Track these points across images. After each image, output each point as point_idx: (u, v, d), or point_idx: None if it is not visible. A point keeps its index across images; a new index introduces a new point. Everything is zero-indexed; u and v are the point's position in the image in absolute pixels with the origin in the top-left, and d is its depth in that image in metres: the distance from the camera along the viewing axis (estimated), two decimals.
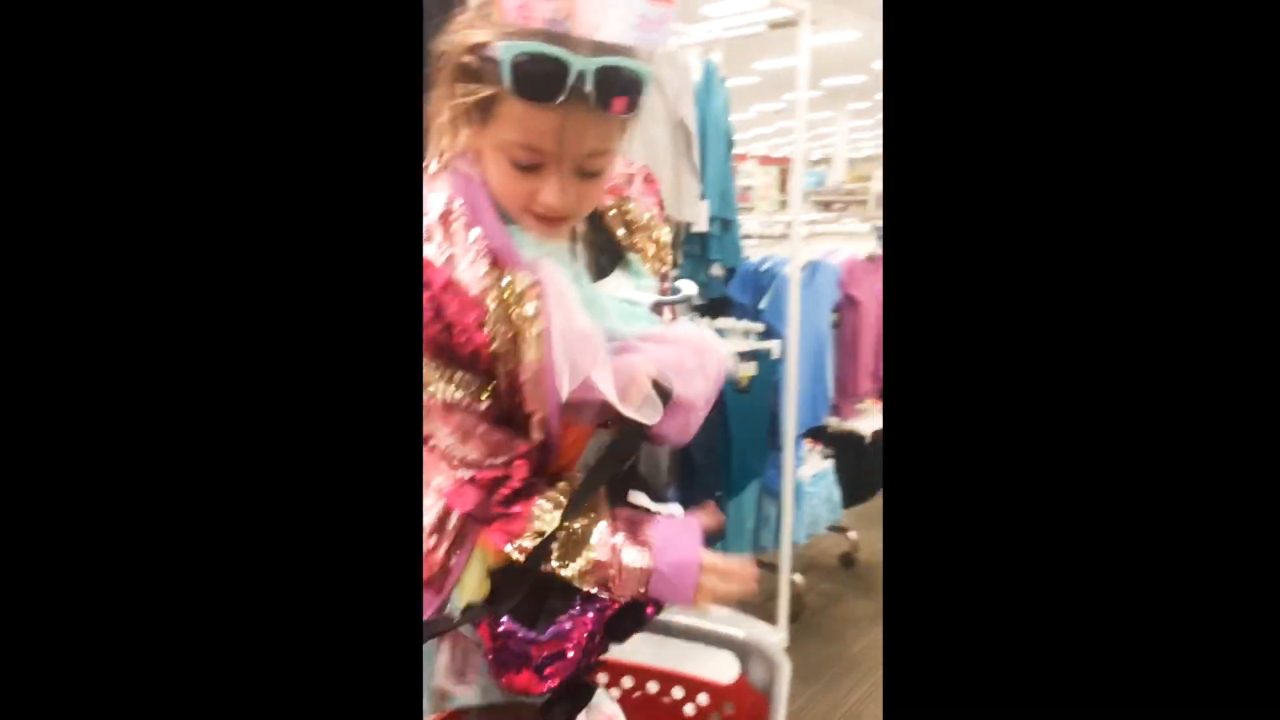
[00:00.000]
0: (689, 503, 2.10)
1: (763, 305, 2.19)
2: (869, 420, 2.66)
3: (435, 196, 0.69)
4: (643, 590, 0.70)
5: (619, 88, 0.63)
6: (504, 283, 0.69)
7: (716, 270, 2.22)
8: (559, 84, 0.61)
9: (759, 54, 8.67)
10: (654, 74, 0.66)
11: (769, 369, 2.14)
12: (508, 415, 0.71)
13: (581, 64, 0.61)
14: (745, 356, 2.08)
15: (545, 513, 0.70)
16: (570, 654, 0.71)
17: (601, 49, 0.62)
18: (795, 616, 2.45)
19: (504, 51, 0.61)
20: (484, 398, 0.69)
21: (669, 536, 0.71)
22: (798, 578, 2.50)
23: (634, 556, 0.70)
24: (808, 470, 2.40)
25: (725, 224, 2.11)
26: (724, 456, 2.09)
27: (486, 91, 0.64)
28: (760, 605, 2.54)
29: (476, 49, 0.64)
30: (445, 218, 0.69)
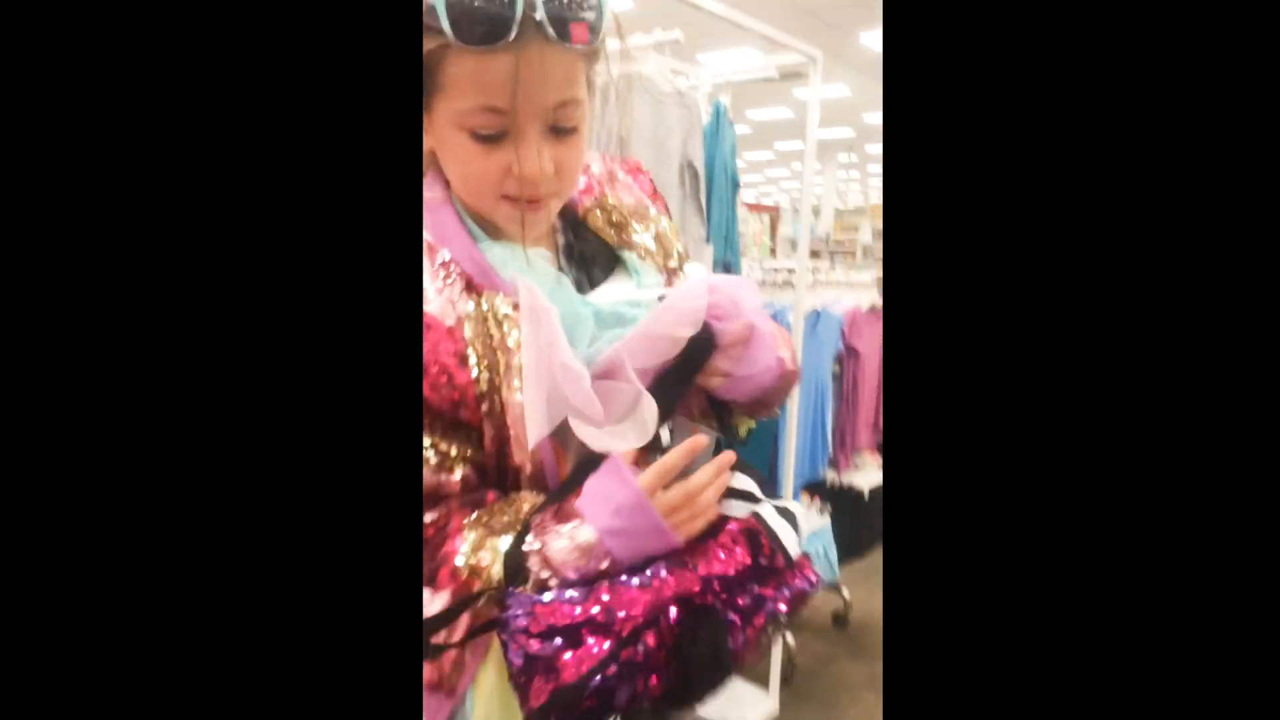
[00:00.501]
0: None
1: None
2: (866, 474, 2.59)
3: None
4: (605, 560, 0.56)
5: (575, 11, 0.55)
6: (484, 307, 0.61)
7: None
8: (507, 16, 0.53)
9: (753, 102, 8.82)
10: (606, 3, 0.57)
11: (769, 420, 2.06)
12: (496, 475, 0.62)
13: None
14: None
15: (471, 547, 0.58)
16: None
17: None
18: (787, 680, 2.34)
19: None
20: (459, 468, 0.60)
21: (594, 491, 0.57)
22: (789, 638, 2.39)
23: (565, 536, 0.56)
24: (805, 527, 2.30)
25: (728, 268, 2.05)
26: None
27: (433, 60, 0.55)
28: (751, 667, 2.44)
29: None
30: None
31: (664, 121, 1.67)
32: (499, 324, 0.60)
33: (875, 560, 2.65)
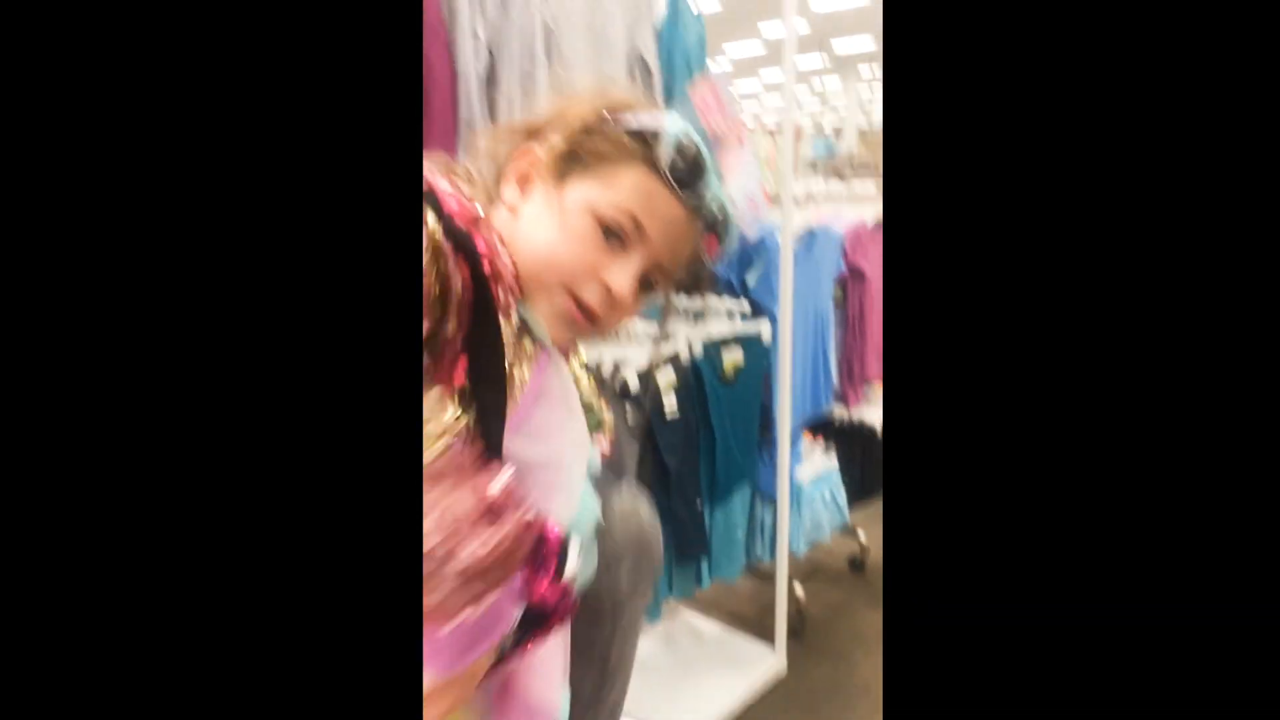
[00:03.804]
0: (666, 515, 1.79)
1: (750, 281, 1.88)
2: (878, 408, 2.35)
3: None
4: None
5: (721, 231, 0.66)
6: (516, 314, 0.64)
7: None
8: (701, 187, 0.63)
9: (767, 12, 8.31)
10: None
11: (759, 355, 1.84)
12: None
13: (718, 189, 0.64)
14: (730, 342, 1.78)
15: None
16: None
17: (726, 192, 0.66)
18: (796, 632, 2.17)
19: (673, 124, 0.62)
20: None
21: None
22: (799, 588, 2.21)
23: None
24: (807, 470, 2.10)
25: None
26: (706, 458, 1.79)
27: (617, 159, 0.62)
28: (756, 619, 2.28)
29: (620, 110, 0.64)
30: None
31: (601, 6, 1.40)
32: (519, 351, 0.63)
33: None
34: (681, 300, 1.90)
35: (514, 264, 0.63)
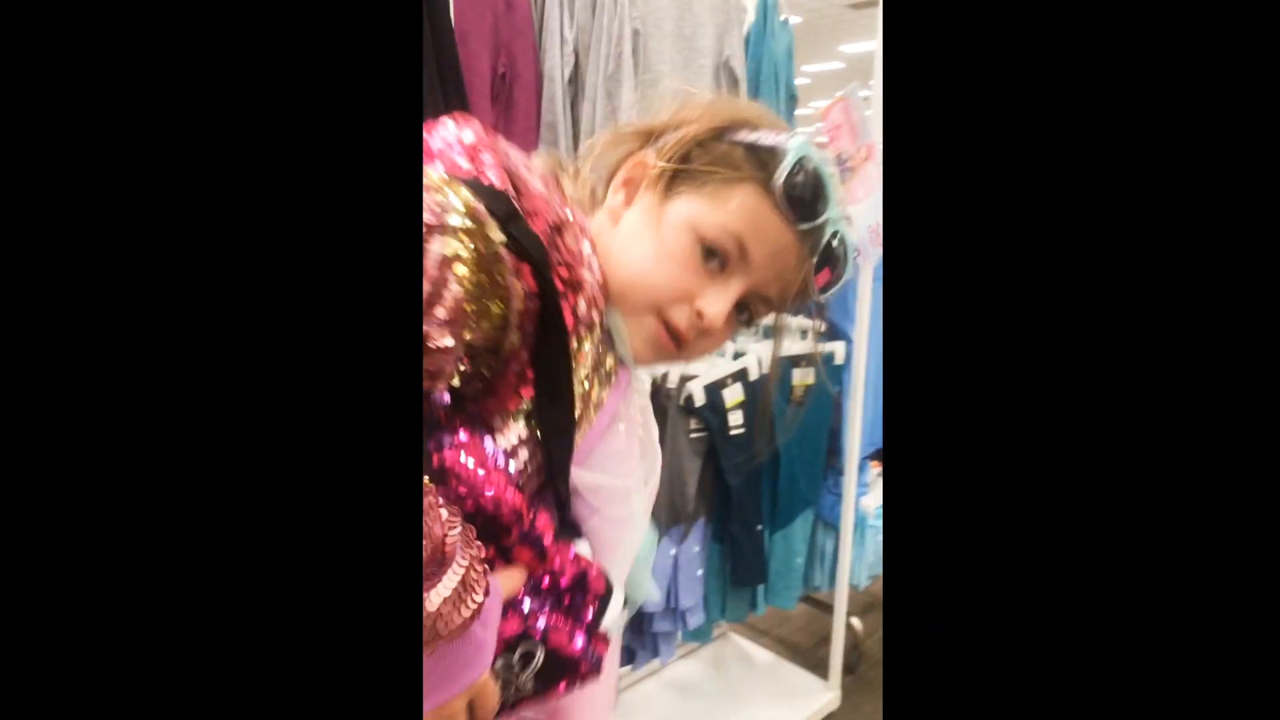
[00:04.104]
0: (723, 537, 1.73)
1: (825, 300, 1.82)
2: None
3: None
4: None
5: (835, 264, 0.60)
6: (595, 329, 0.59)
7: None
8: (816, 216, 0.58)
9: (844, 37, 8.23)
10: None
11: (831, 376, 1.77)
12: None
13: (835, 217, 0.59)
14: (803, 361, 1.72)
15: None
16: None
17: (846, 221, 0.62)
18: (851, 668, 2.08)
19: (799, 148, 0.57)
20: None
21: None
22: (856, 622, 2.13)
23: None
24: (873, 499, 2.02)
25: None
26: (768, 481, 1.73)
27: (729, 176, 0.58)
28: (811, 650, 2.20)
29: (738, 127, 0.60)
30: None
31: (691, 11, 1.37)
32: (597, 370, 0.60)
33: None
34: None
35: (603, 274, 0.59)
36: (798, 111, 1.82)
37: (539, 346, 0.52)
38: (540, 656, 0.50)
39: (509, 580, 0.50)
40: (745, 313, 0.61)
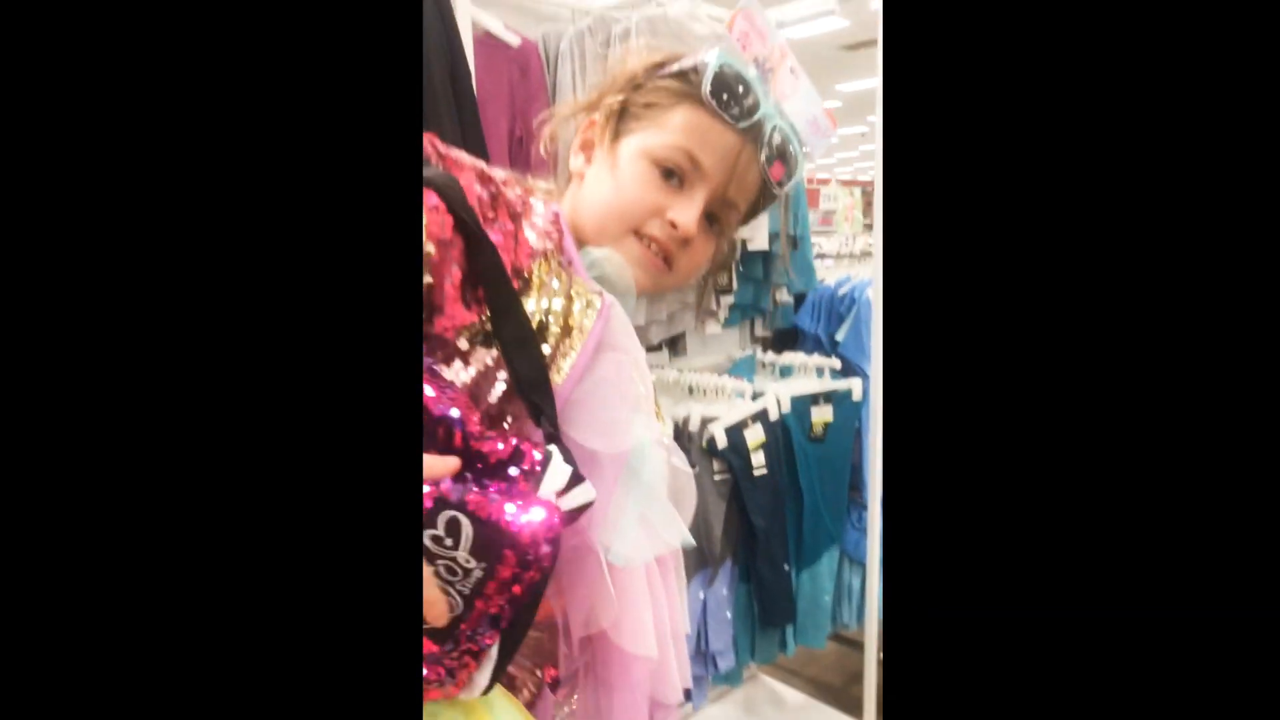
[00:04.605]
0: (750, 577, 1.72)
1: (840, 336, 1.85)
2: None
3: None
4: None
5: (785, 156, 0.65)
6: (558, 260, 0.62)
7: (783, 296, 1.89)
8: (750, 111, 0.62)
9: (840, 76, 8.37)
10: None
11: (849, 412, 1.79)
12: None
13: (772, 111, 0.64)
14: (820, 398, 1.74)
15: None
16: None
17: (783, 116, 0.66)
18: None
19: (716, 59, 0.62)
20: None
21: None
22: None
23: None
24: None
25: (792, 240, 1.78)
26: (793, 519, 1.74)
27: (664, 105, 0.64)
28: (843, 690, 2.17)
29: (663, 66, 0.65)
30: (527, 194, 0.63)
31: None
32: (584, 301, 0.61)
33: None
34: (768, 355, 1.88)
35: (573, 220, 0.64)
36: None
37: (470, 265, 0.54)
38: (469, 527, 0.47)
39: (428, 460, 0.48)
40: (716, 224, 0.66)
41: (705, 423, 1.60)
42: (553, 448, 0.52)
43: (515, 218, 0.59)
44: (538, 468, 0.51)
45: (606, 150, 0.65)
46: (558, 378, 0.58)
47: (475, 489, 0.48)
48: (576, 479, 0.51)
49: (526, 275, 0.59)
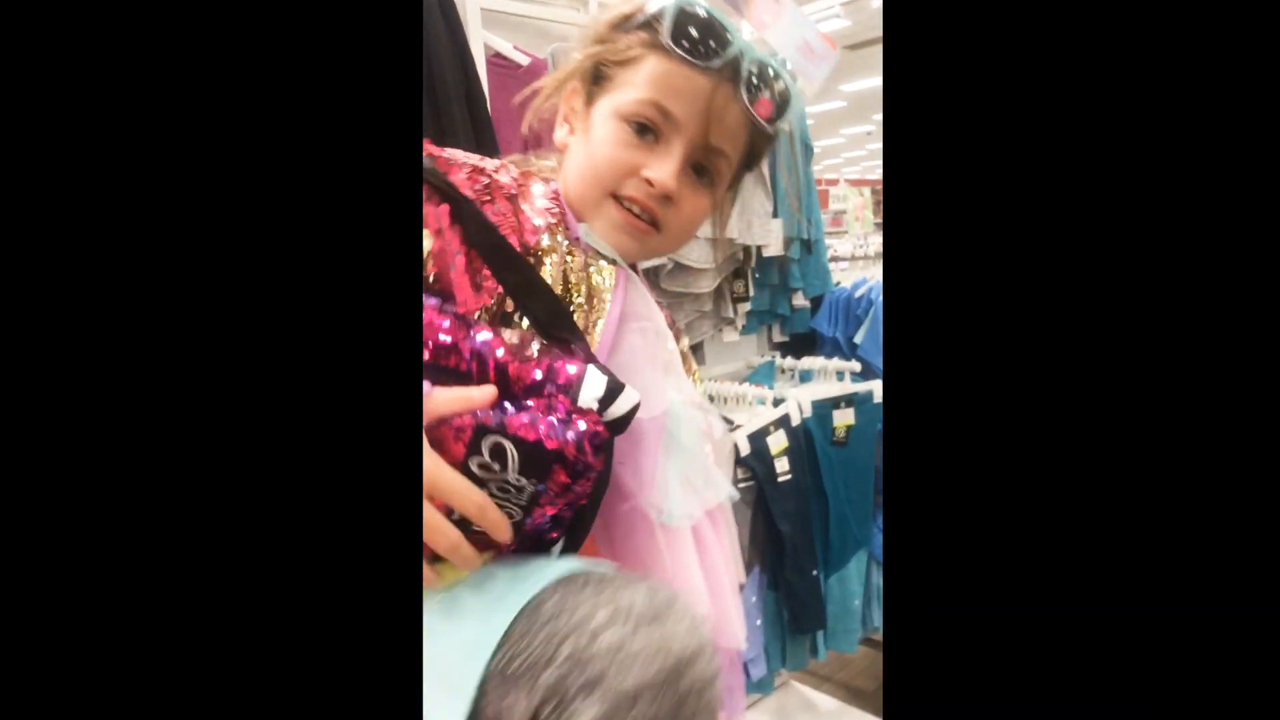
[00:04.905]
0: (779, 584, 1.71)
1: (858, 339, 1.84)
2: None
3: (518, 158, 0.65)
4: None
5: (769, 88, 0.60)
6: (562, 239, 0.61)
7: (800, 300, 1.88)
8: (718, 49, 0.58)
9: (844, 77, 8.37)
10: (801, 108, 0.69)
11: (871, 415, 1.78)
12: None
13: (745, 45, 0.59)
14: (841, 402, 1.73)
15: None
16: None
17: (764, 47, 0.61)
18: None
19: (674, 1, 0.58)
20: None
21: None
22: None
23: None
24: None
25: (807, 245, 1.78)
26: (819, 524, 1.73)
27: (630, 61, 0.60)
28: (875, 694, 2.15)
29: (627, 20, 0.61)
30: (524, 166, 0.63)
31: None
32: (593, 266, 0.61)
33: None
34: (788, 361, 1.88)
35: (567, 191, 0.63)
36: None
37: (474, 249, 0.53)
38: (513, 449, 0.47)
39: (462, 392, 0.47)
40: (706, 175, 0.62)
41: (728, 431, 1.60)
42: (590, 365, 0.51)
43: (512, 199, 0.59)
44: (574, 381, 0.49)
45: (583, 117, 0.63)
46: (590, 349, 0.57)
47: (513, 410, 0.47)
48: (615, 386, 0.50)
49: (536, 251, 0.58)
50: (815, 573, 1.71)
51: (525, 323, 0.55)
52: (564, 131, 0.65)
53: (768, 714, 2.06)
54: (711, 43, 0.57)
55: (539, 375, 0.49)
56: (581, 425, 0.48)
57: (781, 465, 1.64)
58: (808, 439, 1.69)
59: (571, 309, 0.58)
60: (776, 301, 1.81)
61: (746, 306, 1.75)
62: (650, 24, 0.59)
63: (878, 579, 1.91)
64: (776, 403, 1.69)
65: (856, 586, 1.86)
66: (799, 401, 1.68)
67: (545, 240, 0.59)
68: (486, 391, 0.47)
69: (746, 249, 1.63)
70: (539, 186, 0.62)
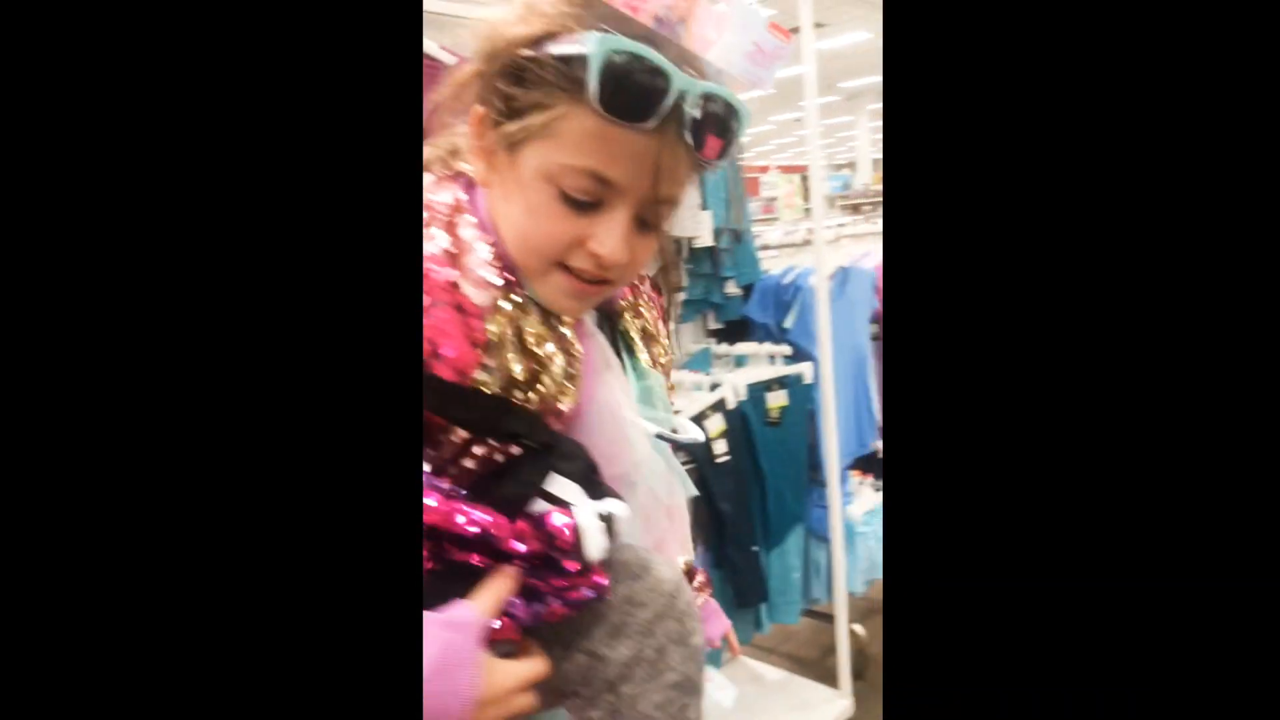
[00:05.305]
0: (721, 562, 1.78)
1: (788, 324, 1.92)
2: None
3: (443, 194, 0.58)
4: None
5: (717, 125, 0.52)
6: (517, 300, 0.57)
7: (732, 288, 1.95)
8: (655, 102, 0.50)
9: None
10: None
11: (802, 396, 1.86)
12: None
13: (684, 84, 0.50)
14: (773, 384, 1.81)
15: None
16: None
17: (705, 72, 0.54)
18: (859, 674, 2.14)
19: (597, 45, 0.49)
20: None
21: (434, 660, 0.48)
22: (858, 628, 2.20)
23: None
24: (858, 507, 2.10)
25: (736, 235, 1.85)
26: (757, 502, 1.81)
27: (550, 108, 0.52)
28: (818, 662, 2.25)
29: (539, 42, 0.51)
30: (453, 215, 0.57)
31: None
32: (539, 332, 0.58)
33: None
34: (722, 347, 1.95)
35: (502, 243, 0.57)
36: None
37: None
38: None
39: (489, 593, 0.51)
40: (647, 226, 0.56)
41: None
42: (569, 498, 0.53)
43: (453, 289, 0.54)
44: (570, 543, 0.52)
45: (506, 162, 0.55)
46: (568, 404, 0.58)
47: (542, 604, 0.54)
48: (607, 517, 0.54)
49: (483, 349, 0.54)
50: (755, 549, 1.79)
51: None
52: (483, 169, 0.58)
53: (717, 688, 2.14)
54: (649, 98, 0.49)
55: (536, 541, 0.52)
56: (595, 582, 0.55)
57: (720, 447, 1.71)
58: (743, 421, 1.77)
59: (535, 370, 0.56)
60: (710, 290, 1.88)
61: (682, 296, 1.81)
62: (569, 66, 0.50)
63: (815, 552, 2.00)
64: (713, 388, 1.75)
65: (795, 560, 1.94)
66: (734, 386, 1.75)
67: (494, 327, 0.55)
68: (505, 583, 0.52)
69: (678, 240, 1.69)
70: (479, 246, 0.57)
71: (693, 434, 0.67)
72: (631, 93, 0.49)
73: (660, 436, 0.64)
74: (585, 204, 0.53)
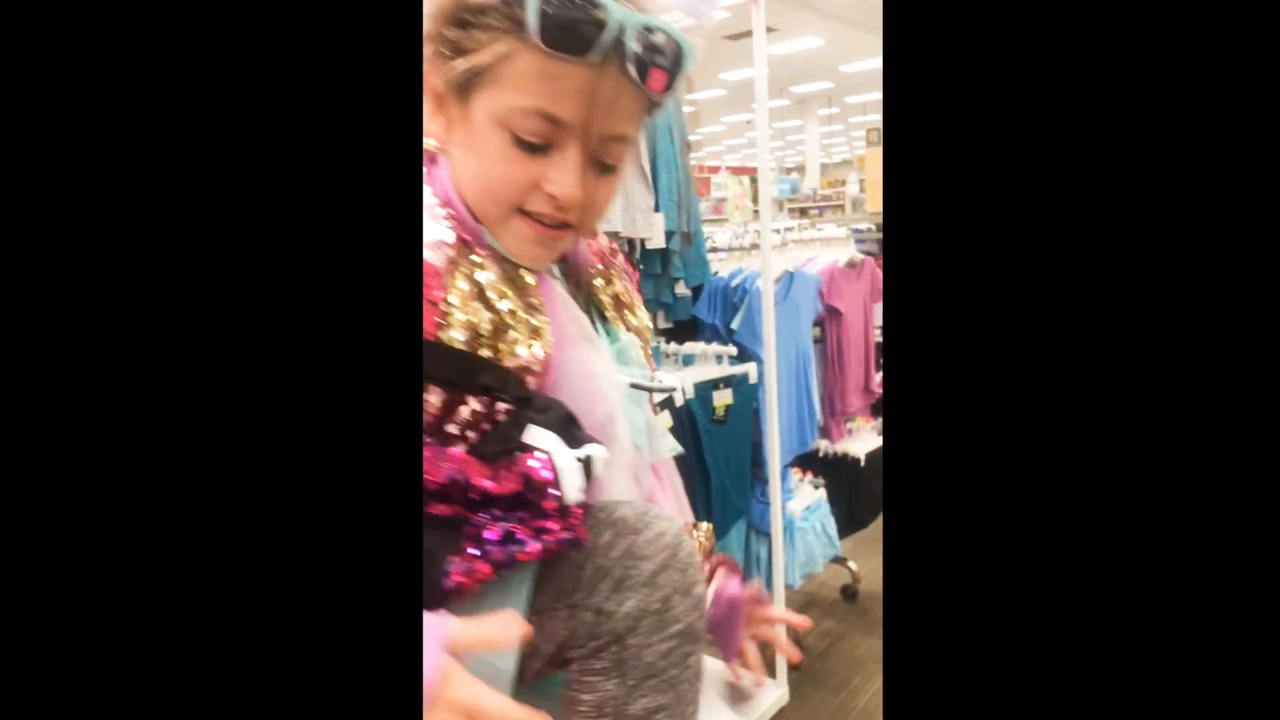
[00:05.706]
0: None
1: (735, 325, 1.98)
2: (861, 441, 2.45)
3: None
4: None
5: (660, 57, 0.54)
6: (476, 260, 0.57)
7: (682, 289, 2.00)
8: (595, 34, 0.51)
9: (724, 65, 8.60)
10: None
11: (747, 394, 1.93)
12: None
13: (623, 15, 0.51)
14: (719, 383, 1.86)
15: None
16: None
17: (646, 6, 0.54)
18: (796, 665, 2.22)
19: None
20: None
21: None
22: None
23: None
24: (798, 503, 2.18)
25: (687, 237, 1.90)
26: (702, 497, 1.86)
27: (494, 47, 0.52)
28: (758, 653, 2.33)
29: None
30: None
31: None
32: (499, 288, 0.58)
33: (880, 529, 2.52)
34: (671, 346, 1.99)
35: (461, 197, 0.59)
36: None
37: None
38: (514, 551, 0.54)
39: (478, 631, 0.51)
40: (606, 169, 0.58)
41: None
42: (547, 445, 0.54)
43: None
44: (550, 486, 0.54)
45: (460, 113, 0.56)
46: (540, 352, 0.57)
47: (518, 545, 0.53)
48: (585, 460, 0.55)
49: (444, 307, 0.55)
50: None
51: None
52: (441, 128, 0.59)
53: None
54: (587, 30, 0.50)
55: (512, 483, 0.54)
56: (572, 524, 0.55)
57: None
58: (690, 418, 1.82)
59: (501, 323, 0.56)
60: (660, 290, 1.92)
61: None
62: (510, 7, 0.51)
63: (755, 546, 2.07)
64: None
65: (736, 553, 2.01)
66: (682, 384, 1.80)
67: (452, 282, 0.55)
68: (505, 631, 0.51)
69: (631, 241, 1.73)
70: (436, 210, 0.58)
71: (668, 383, 0.69)
72: (570, 26, 0.50)
73: (635, 385, 0.65)
74: (537, 146, 0.54)
